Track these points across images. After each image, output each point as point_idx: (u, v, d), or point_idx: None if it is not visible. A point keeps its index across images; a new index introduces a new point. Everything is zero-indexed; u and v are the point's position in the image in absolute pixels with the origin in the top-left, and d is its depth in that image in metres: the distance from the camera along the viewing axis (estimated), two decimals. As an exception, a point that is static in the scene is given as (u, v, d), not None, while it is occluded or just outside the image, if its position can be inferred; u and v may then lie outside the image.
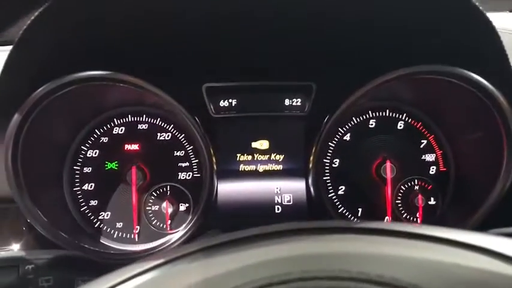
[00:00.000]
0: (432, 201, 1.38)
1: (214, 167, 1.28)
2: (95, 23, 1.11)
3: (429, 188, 1.39)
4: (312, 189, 1.32)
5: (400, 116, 1.41)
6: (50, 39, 1.11)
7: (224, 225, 1.32)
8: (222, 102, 1.37)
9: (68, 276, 0.89)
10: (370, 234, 0.56)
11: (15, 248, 1.22)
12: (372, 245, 0.52)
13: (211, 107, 1.36)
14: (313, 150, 1.29)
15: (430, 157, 1.40)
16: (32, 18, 1.00)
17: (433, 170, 1.40)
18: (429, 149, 1.41)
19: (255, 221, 1.32)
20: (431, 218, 1.37)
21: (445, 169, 1.40)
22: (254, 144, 1.38)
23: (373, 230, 0.57)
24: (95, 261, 1.06)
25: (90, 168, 1.37)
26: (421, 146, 1.41)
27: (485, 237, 0.57)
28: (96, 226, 1.36)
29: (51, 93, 1.13)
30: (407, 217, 1.38)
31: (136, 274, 0.53)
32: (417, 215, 1.37)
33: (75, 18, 1.09)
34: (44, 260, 0.89)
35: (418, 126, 1.41)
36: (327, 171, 1.40)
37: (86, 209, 1.36)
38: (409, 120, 1.41)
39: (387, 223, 0.59)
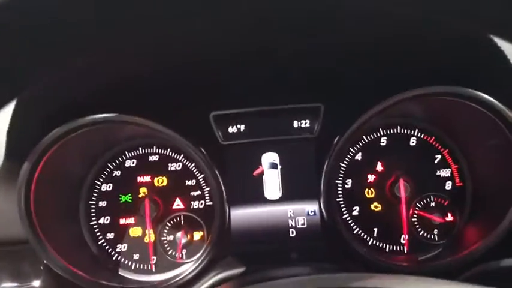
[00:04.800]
0: (449, 218, 1.35)
1: (224, 195, 1.28)
2: (101, 67, 1.12)
3: (446, 204, 1.35)
4: (324, 211, 1.31)
5: (412, 132, 1.38)
6: (59, 83, 1.14)
7: (239, 252, 1.32)
8: (230, 128, 1.37)
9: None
10: None
11: (36, 285, 1.26)
12: None
13: (220, 134, 1.36)
14: (324, 172, 1.28)
15: (445, 172, 1.37)
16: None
17: (449, 185, 1.37)
18: (444, 164, 1.37)
19: (270, 246, 1.34)
20: (449, 235, 1.34)
21: (461, 184, 1.37)
22: (265, 169, 1.37)
23: None
24: None
25: (105, 202, 1.39)
26: (436, 162, 1.37)
27: None
28: (114, 259, 1.38)
29: (61, 137, 1.16)
30: (425, 235, 1.35)
31: None
32: (435, 233, 1.35)
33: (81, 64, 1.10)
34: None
35: (431, 141, 1.38)
36: (340, 192, 1.38)
37: (103, 242, 1.38)
38: (422, 136, 1.38)
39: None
